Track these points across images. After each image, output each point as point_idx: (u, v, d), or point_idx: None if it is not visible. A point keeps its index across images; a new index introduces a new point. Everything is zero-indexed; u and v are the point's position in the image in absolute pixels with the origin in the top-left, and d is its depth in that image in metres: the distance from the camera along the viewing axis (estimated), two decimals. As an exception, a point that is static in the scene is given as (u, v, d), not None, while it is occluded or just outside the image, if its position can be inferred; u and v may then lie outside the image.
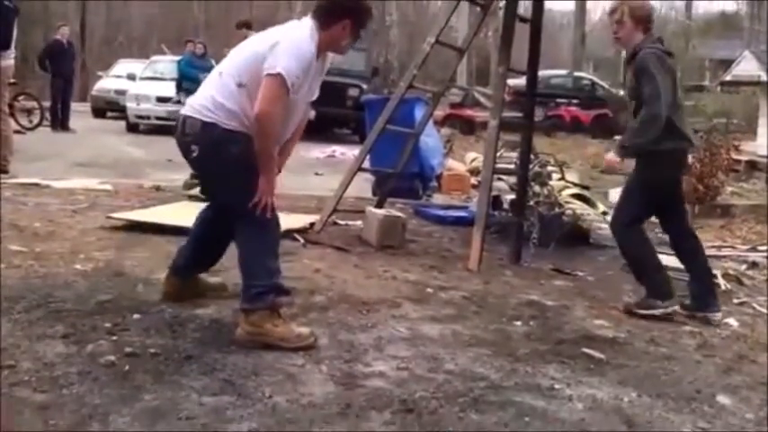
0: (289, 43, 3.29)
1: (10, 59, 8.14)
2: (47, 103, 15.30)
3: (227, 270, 4.07)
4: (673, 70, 4.47)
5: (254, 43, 3.46)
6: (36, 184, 7.35)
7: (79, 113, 17.35)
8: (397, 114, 6.39)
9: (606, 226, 7.11)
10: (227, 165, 3.38)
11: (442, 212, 7.23)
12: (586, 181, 10.02)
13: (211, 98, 3.39)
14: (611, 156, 4.48)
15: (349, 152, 12.08)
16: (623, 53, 36.80)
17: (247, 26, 11.05)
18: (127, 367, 2.95)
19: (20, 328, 3.32)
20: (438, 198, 8.70)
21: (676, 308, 4.39)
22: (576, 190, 7.86)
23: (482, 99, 19.60)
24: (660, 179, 4.43)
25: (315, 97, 3.60)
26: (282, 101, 3.25)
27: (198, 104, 3.43)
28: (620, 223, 4.52)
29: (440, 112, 17.53)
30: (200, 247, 3.84)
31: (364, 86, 15.54)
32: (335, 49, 3.51)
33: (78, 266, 4.40)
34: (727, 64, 27.48)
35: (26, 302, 3.64)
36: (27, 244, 4.78)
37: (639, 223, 4.51)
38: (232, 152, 3.34)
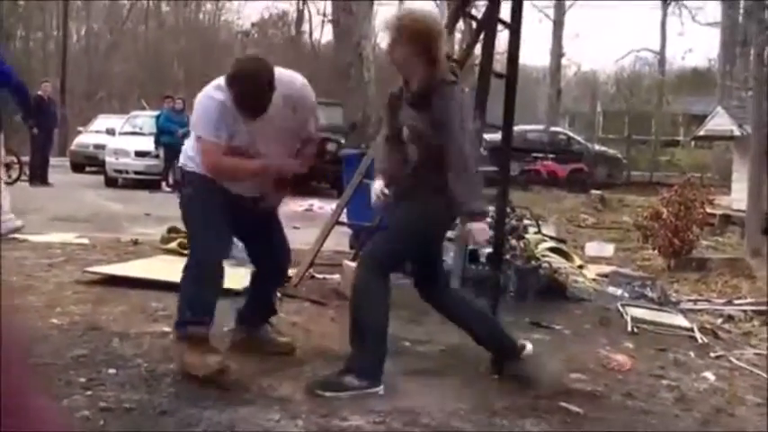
0: (197, 107, 3.73)
1: None
2: (25, 158, 15.29)
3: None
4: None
5: (196, 104, 3.82)
6: (14, 239, 7.31)
7: (58, 168, 17.33)
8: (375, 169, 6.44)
9: (582, 279, 7.20)
10: (185, 201, 3.85)
11: (419, 266, 7.24)
12: (563, 234, 10.11)
13: (185, 147, 3.89)
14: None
15: (326, 206, 12.14)
16: (598, 108, 37.26)
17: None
18: (102, 422, 2.93)
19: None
20: (416, 252, 8.71)
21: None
22: (552, 243, 7.92)
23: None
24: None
25: (289, 139, 3.84)
26: (215, 154, 3.61)
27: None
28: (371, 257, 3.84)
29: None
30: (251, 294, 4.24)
31: (342, 141, 15.67)
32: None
33: (54, 320, 4.37)
34: (700, 119, 28.03)
35: (-1, 357, 3.60)
36: (4, 298, 4.73)
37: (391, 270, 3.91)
38: (188, 190, 3.83)
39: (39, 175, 15.27)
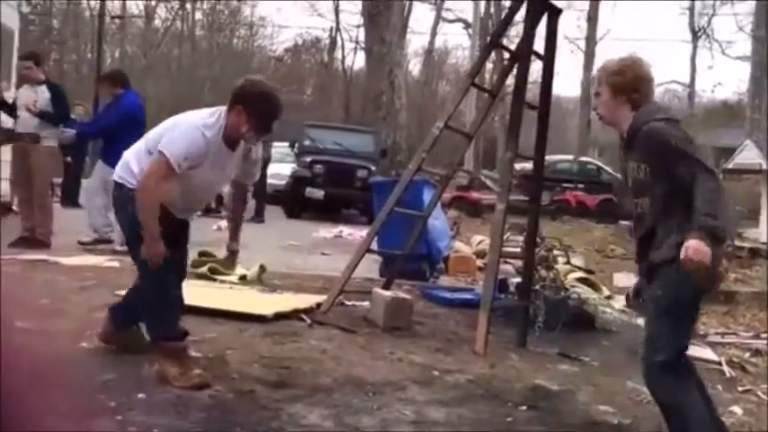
0: (182, 127, 3.76)
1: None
2: (57, 179, 15.47)
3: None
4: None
5: (170, 120, 3.95)
6: (44, 261, 7.39)
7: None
8: (406, 196, 6.47)
9: (610, 310, 7.14)
10: (127, 223, 3.87)
11: (448, 295, 7.23)
12: (591, 265, 10.04)
13: (125, 160, 3.90)
14: (698, 243, 3.04)
15: (356, 232, 12.16)
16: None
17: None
18: (131, 447, 2.95)
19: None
20: (445, 280, 8.72)
21: None
22: (581, 274, 7.88)
23: (489, 182, 19.79)
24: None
25: (231, 176, 4.16)
26: (162, 176, 3.65)
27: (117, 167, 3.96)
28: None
29: (447, 195, 17.66)
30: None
31: (373, 168, 15.74)
32: (239, 135, 3.81)
33: (85, 344, 4.41)
34: (729, 152, 27.78)
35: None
36: (35, 321, 4.78)
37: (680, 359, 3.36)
38: (129, 210, 3.77)
39: (71, 197, 15.44)
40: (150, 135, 3.90)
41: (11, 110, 8.56)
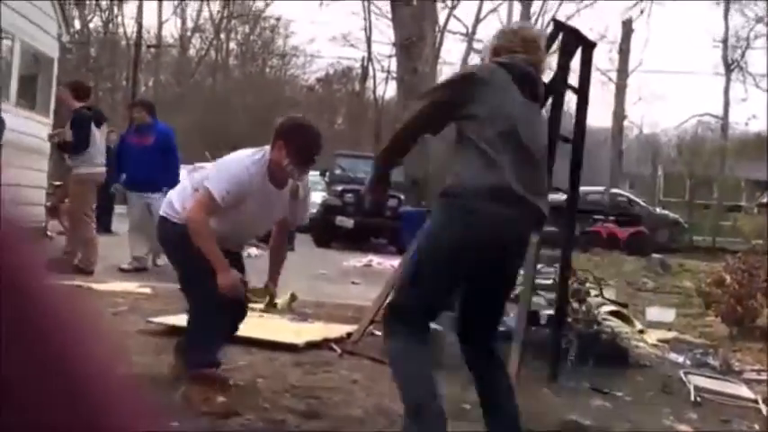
0: (225, 164, 3.99)
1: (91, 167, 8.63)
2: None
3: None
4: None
5: (219, 160, 4.16)
6: (78, 287, 7.48)
7: (121, 216, 17.70)
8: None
9: (644, 344, 7.05)
10: (173, 252, 4.13)
11: (478, 326, 7.18)
12: (622, 298, 9.94)
13: (169, 198, 4.14)
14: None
15: (386, 262, 12.15)
16: (659, 171, 36.77)
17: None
18: (164, 475, 2.95)
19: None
20: (474, 311, 8.65)
21: None
22: (613, 307, 7.80)
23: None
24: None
25: (279, 215, 4.12)
26: (207, 208, 3.80)
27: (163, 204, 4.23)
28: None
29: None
30: None
31: (402, 197, 15.77)
32: (282, 170, 3.89)
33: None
34: (763, 185, 27.48)
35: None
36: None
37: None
38: (174, 242, 4.00)
39: (103, 223, 15.61)
40: (195, 174, 4.10)
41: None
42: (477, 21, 40.18)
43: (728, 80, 36.66)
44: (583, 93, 5.58)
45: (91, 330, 0.61)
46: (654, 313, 9.78)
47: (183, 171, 18.83)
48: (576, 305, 6.35)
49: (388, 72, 38.10)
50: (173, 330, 5.56)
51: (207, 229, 3.82)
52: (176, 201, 4.04)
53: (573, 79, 5.74)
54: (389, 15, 21.52)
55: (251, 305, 6.83)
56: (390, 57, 35.50)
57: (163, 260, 9.59)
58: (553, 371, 5.52)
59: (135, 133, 9.78)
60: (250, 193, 3.84)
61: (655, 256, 17.65)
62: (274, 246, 4.43)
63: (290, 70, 45.16)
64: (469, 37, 40.50)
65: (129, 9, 44.16)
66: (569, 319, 6.07)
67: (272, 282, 4.40)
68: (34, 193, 11.43)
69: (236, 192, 3.79)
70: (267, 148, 3.94)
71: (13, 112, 10.50)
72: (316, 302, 7.44)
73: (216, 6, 42.02)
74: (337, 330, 6.00)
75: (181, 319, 5.86)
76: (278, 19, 43.15)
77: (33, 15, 10.94)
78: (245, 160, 3.90)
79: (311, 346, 5.43)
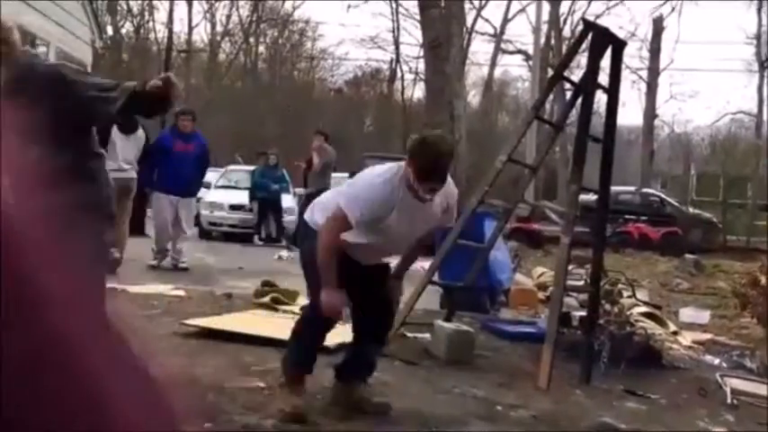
0: (361, 182, 4.03)
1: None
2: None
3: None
4: None
5: (352, 179, 4.34)
6: (112, 289, 7.56)
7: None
8: (467, 228, 6.46)
9: (678, 346, 6.98)
10: (307, 259, 4.07)
11: (510, 328, 7.17)
12: (655, 299, 9.85)
13: (312, 205, 4.24)
14: None
15: (416, 263, 12.10)
16: (692, 170, 36.38)
17: (324, 135, 12.42)
18: (199, 476, 2.97)
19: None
20: (506, 313, 8.63)
21: None
22: (646, 309, 7.73)
23: (552, 214, 19.63)
24: None
25: (425, 227, 4.06)
26: (338, 226, 3.81)
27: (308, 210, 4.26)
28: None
29: (507, 226, 17.54)
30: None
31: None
32: (413, 186, 3.83)
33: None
34: (798, 184, 27.04)
35: (102, 407, 3.72)
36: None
37: None
38: (307, 245, 4.07)
39: (137, 226, 15.77)
40: (341, 187, 4.31)
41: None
42: (506, 21, 40.03)
43: (762, 77, 36.10)
44: (613, 92, 5.54)
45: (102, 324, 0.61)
46: (688, 314, 9.67)
47: (211, 175, 18.89)
48: (608, 306, 6.31)
49: (417, 74, 38.08)
50: (205, 333, 5.61)
51: (332, 244, 3.85)
52: (320, 212, 4.07)
53: (603, 78, 5.71)
54: (417, 17, 21.49)
55: (284, 307, 6.90)
56: (418, 58, 35.46)
57: (185, 264, 9.97)
58: (586, 373, 5.48)
59: (179, 139, 9.91)
60: (386, 211, 3.82)
61: (688, 256, 17.46)
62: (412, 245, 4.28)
63: (319, 73, 45.30)
64: (498, 38, 40.36)
65: (160, 15, 44.58)
66: (601, 321, 6.02)
67: (398, 277, 4.34)
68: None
69: (370, 213, 3.80)
70: (403, 163, 3.89)
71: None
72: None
73: (245, 11, 42.34)
74: (368, 332, 6.00)
75: (213, 322, 5.93)
76: (306, 22, 43.36)
77: (67, 22, 11.12)
78: (374, 181, 3.91)
79: (343, 347, 5.44)
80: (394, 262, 4.33)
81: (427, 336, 6.10)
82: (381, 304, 4.16)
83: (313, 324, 4.05)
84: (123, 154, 9.05)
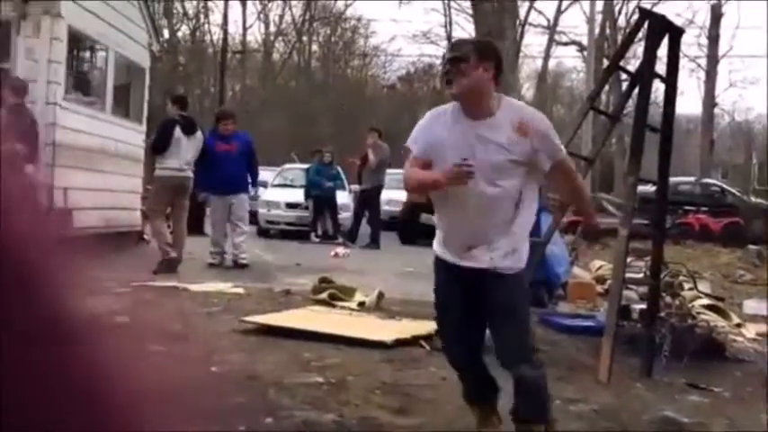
0: None
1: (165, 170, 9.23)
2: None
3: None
4: None
5: None
6: (174, 287, 7.71)
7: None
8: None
9: (741, 338, 6.83)
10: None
11: (568, 321, 7.11)
12: (718, 291, 9.65)
13: None
14: None
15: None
16: (754, 159, 35.56)
17: (378, 132, 12.62)
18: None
19: (161, 427, 3.46)
20: (564, 306, 8.56)
21: None
22: (708, 301, 7.58)
23: (609, 206, 19.36)
24: None
25: (493, 161, 3.26)
26: (410, 164, 3.41)
27: None
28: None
29: (564, 219, 17.33)
30: None
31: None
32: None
33: (214, 368, 4.56)
34: None
35: (166, 402, 3.80)
36: (166, 345, 5.00)
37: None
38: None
39: (195, 226, 16.02)
40: None
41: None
42: (559, 12, 39.57)
43: (826, 63, 35.05)
44: (671, 81, 5.45)
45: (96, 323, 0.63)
46: (752, 306, 9.46)
47: (267, 174, 19.18)
48: (669, 299, 6.21)
49: (470, 67, 37.87)
50: (265, 329, 5.69)
51: (413, 185, 3.50)
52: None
53: (660, 67, 5.62)
54: (470, 11, 21.39)
55: (341, 303, 6.96)
56: (471, 52, 35.22)
57: (245, 259, 10.14)
58: (647, 366, 5.41)
59: (220, 140, 10.11)
60: (437, 134, 3.37)
61: (751, 247, 17.05)
62: (562, 185, 3.79)
63: (372, 70, 45.42)
64: (551, 29, 39.92)
65: (215, 17, 45.15)
66: (662, 314, 5.93)
67: (587, 217, 4.05)
68: (130, 198, 11.88)
69: (422, 137, 3.40)
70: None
71: (109, 120, 10.94)
72: (402, 300, 7.48)
73: (298, 10, 42.65)
74: (425, 327, 6.01)
75: (272, 319, 6.01)
76: (358, 19, 43.52)
77: (125, 27, 11.35)
78: (432, 112, 3.56)
79: (400, 343, 5.47)
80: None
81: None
82: (496, 316, 3.43)
83: (448, 357, 3.70)
84: (184, 154, 9.26)
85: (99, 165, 10.40)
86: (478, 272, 3.31)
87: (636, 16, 5.66)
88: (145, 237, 11.92)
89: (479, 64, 3.28)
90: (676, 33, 5.52)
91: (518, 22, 30.13)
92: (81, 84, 10.87)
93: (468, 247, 3.33)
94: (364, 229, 14.95)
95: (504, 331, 3.38)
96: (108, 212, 10.68)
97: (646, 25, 5.43)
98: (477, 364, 3.60)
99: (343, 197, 16.48)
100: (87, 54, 11.33)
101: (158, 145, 9.18)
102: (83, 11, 9.82)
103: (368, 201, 15.13)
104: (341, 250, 13.07)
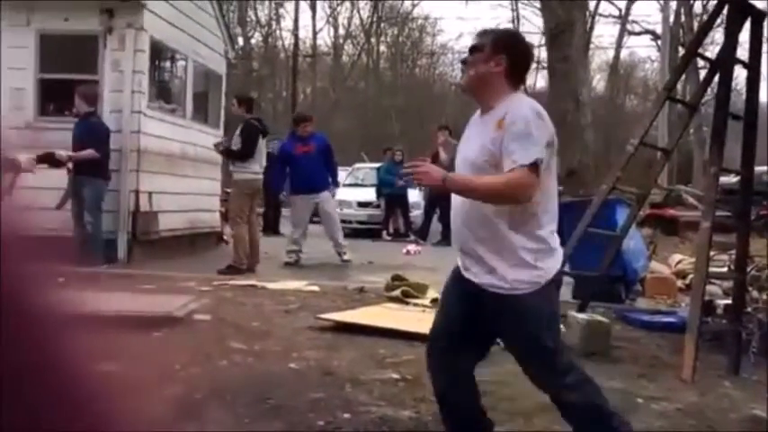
0: None
1: (247, 174, 9.31)
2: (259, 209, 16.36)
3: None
4: None
5: None
6: (253, 286, 7.81)
7: (288, 218, 18.36)
8: (598, 217, 6.29)
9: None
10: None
11: (648, 318, 6.93)
12: (807, 285, 9.29)
13: None
14: None
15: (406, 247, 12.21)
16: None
17: (448, 130, 12.67)
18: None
19: (243, 423, 3.50)
20: (642, 302, 8.36)
21: None
22: (796, 295, 7.30)
23: (689, 199, 18.84)
24: None
25: (472, 152, 3.00)
26: None
27: None
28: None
29: (641, 213, 16.98)
30: None
31: (560, 188, 15.41)
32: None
33: (292, 365, 4.60)
34: None
35: (247, 398, 3.84)
36: (246, 342, 5.08)
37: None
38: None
39: (271, 226, 16.22)
40: None
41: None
42: (631, 1, 38.74)
43: None
44: (754, 66, 5.26)
45: (85, 338, 0.62)
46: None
47: (343, 173, 19.30)
48: (755, 293, 6.00)
49: (538, 62, 37.38)
50: (340, 326, 5.71)
51: None
52: None
53: (741, 53, 5.43)
54: (537, 4, 21.18)
55: (414, 300, 6.94)
56: (540, 46, 34.84)
57: (348, 256, 10.51)
58: (734, 364, 5.22)
59: (299, 142, 10.28)
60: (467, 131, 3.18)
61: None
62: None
63: (439, 68, 45.27)
64: (623, 19, 39.12)
65: (286, 22, 45.70)
66: (749, 309, 5.74)
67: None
68: (210, 200, 12.23)
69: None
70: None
71: (189, 126, 11.22)
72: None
73: (366, 12, 42.83)
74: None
75: (347, 316, 6.02)
76: (425, 18, 43.45)
77: (203, 36, 11.63)
78: None
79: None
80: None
81: (560, 327, 5.97)
82: (507, 345, 3.33)
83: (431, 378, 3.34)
84: (261, 157, 9.51)
85: (181, 169, 10.71)
86: (477, 287, 2.97)
87: (713, 1, 5.47)
88: (224, 237, 12.16)
89: (491, 57, 2.99)
90: (758, 16, 5.32)
91: (588, 14, 29.65)
92: (163, 92, 11.19)
93: (464, 254, 3.03)
94: (435, 226, 14.93)
95: (522, 362, 3.16)
96: (190, 215, 10.99)
97: (725, 9, 5.25)
98: (462, 395, 3.23)
99: (415, 195, 16.47)
100: (168, 64, 11.65)
101: (249, 150, 9.28)
102: (163, 23, 10.10)
103: (438, 198, 15.09)
104: (412, 248, 13.06)
